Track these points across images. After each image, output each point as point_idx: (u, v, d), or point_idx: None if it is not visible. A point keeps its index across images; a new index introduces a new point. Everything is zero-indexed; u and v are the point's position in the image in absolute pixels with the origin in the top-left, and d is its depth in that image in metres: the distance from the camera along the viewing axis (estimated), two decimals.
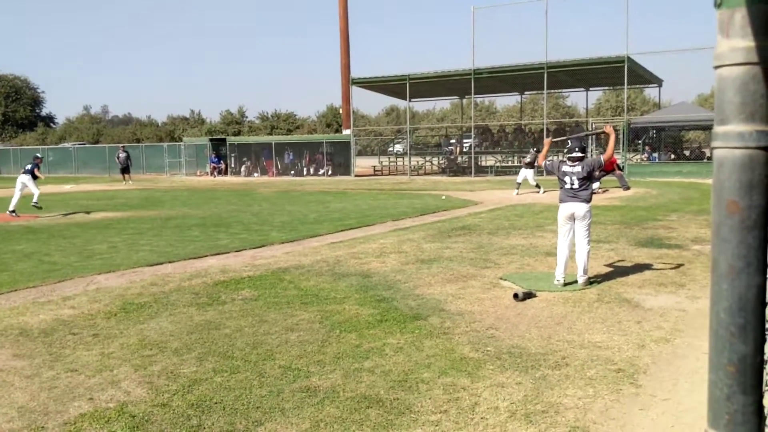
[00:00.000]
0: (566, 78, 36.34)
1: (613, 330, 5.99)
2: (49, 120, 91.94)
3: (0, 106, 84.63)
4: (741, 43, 1.25)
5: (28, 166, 17.92)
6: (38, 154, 19.74)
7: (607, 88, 52.06)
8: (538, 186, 22.23)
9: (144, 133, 77.59)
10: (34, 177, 17.75)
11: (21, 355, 5.47)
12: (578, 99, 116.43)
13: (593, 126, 31.47)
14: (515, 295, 7.11)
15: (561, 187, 7.89)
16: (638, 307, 6.79)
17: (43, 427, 4.07)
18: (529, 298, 7.16)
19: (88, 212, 18.28)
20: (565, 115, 62.65)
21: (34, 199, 17.69)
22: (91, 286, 8.24)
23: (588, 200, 7.79)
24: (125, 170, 34.94)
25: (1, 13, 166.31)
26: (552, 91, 47.57)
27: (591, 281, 7.87)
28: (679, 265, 8.91)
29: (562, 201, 7.87)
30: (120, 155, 35.76)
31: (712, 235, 1.34)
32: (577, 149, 7.84)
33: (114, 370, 5.06)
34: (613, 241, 11.05)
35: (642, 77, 36.26)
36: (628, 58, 29.57)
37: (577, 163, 7.80)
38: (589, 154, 9.53)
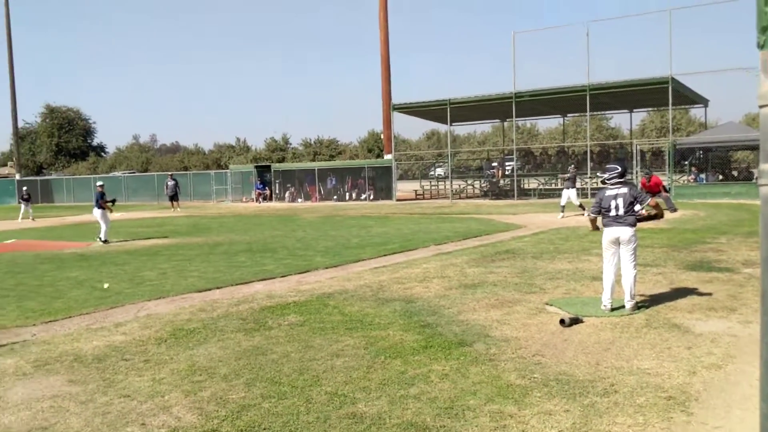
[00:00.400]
0: (609, 100, 35.99)
1: (663, 356, 5.89)
2: (100, 149, 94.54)
3: (54, 137, 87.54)
4: None
5: (95, 199, 18.47)
6: (99, 182, 19.73)
7: (651, 109, 51.36)
8: (582, 207, 21.97)
9: (191, 161, 79.21)
10: (102, 207, 18.05)
11: (75, 381, 5.63)
12: (622, 120, 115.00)
13: (637, 147, 31.01)
14: (561, 321, 7.05)
15: (606, 213, 7.78)
16: (688, 333, 6.66)
17: None
18: (575, 323, 7.08)
19: (146, 239, 18.69)
20: (608, 137, 61.90)
21: (101, 236, 17.81)
22: (141, 312, 8.44)
23: (633, 224, 7.71)
24: (174, 198, 35.67)
25: (54, 49, 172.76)
26: (595, 113, 47.14)
27: (639, 306, 7.74)
28: (729, 289, 8.71)
29: (606, 225, 7.78)
30: (168, 183, 36.55)
31: (761, 268, 1.35)
32: (621, 175, 7.79)
33: (165, 395, 5.18)
34: (660, 265, 10.86)
35: (687, 98, 35.71)
36: (672, 78, 29.17)
37: (621, 186, 7.74)
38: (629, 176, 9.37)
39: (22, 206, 30.64)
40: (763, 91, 1.28)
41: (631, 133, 48.51)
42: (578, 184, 25.55)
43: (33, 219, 29.53)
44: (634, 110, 44.90)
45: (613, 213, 7.68)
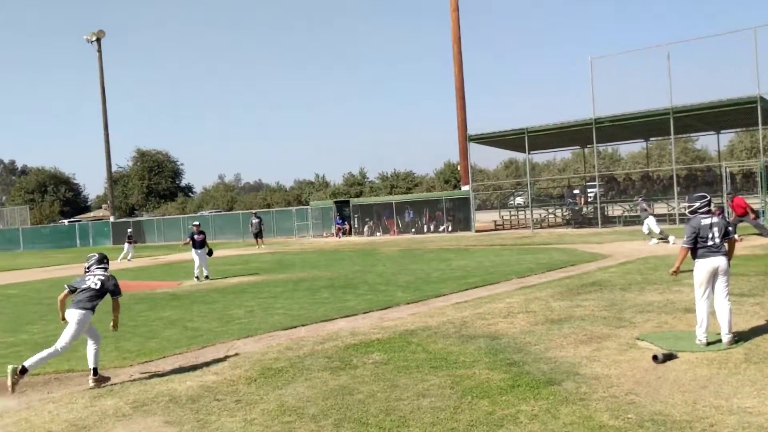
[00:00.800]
0: (694, 121, 34.75)
1: (765, 393, 5.60)
2: (187, 190, 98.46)
3: (144, 179, 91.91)
4: None
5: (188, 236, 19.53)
6: (195, 222, 20.63)
7: (739, 129, 49.28)
8: (663, 234, 21.27)
9: (273, 198, 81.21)
10: (198, 247, 18.86)
11: (171, 422, 5.83)
12: (709, 141, 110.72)
13: (727, 170, 29.73)
14: (654, 357, 6.81)
15: (703, 243, 7.44)
16: None
17: None
18: (669, 359, 6.82)
19: (233, 276, 19.29)
20: (695, 160, 59.66)
21: (195, 273, 18.95)
22: (231, 351, 8.68)
23: (726, 253, 7.43)
24: (258, 235, 36.63)
25: (143, 94, 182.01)
26: (679, 135, 45.59)
27: (736, 339, 7.39)
28: None
29: (702, 257, 7.43)
30: (253, 221, 37.59)
31: None
32: (709, 202, 7.54)
33: None
34: (757, 295, 10.34)
35: None
36: (761, 98, 27.95)
37: (711, 214, 7.49)
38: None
39: (126, 246, 31.86)
40: None
41: (719, 154, 46.62)
42: (655, 210, 24.86)
43: (129, 259, 30.82)
44: (722, 131, 43.20)
45: (710, 243, 7.39)
